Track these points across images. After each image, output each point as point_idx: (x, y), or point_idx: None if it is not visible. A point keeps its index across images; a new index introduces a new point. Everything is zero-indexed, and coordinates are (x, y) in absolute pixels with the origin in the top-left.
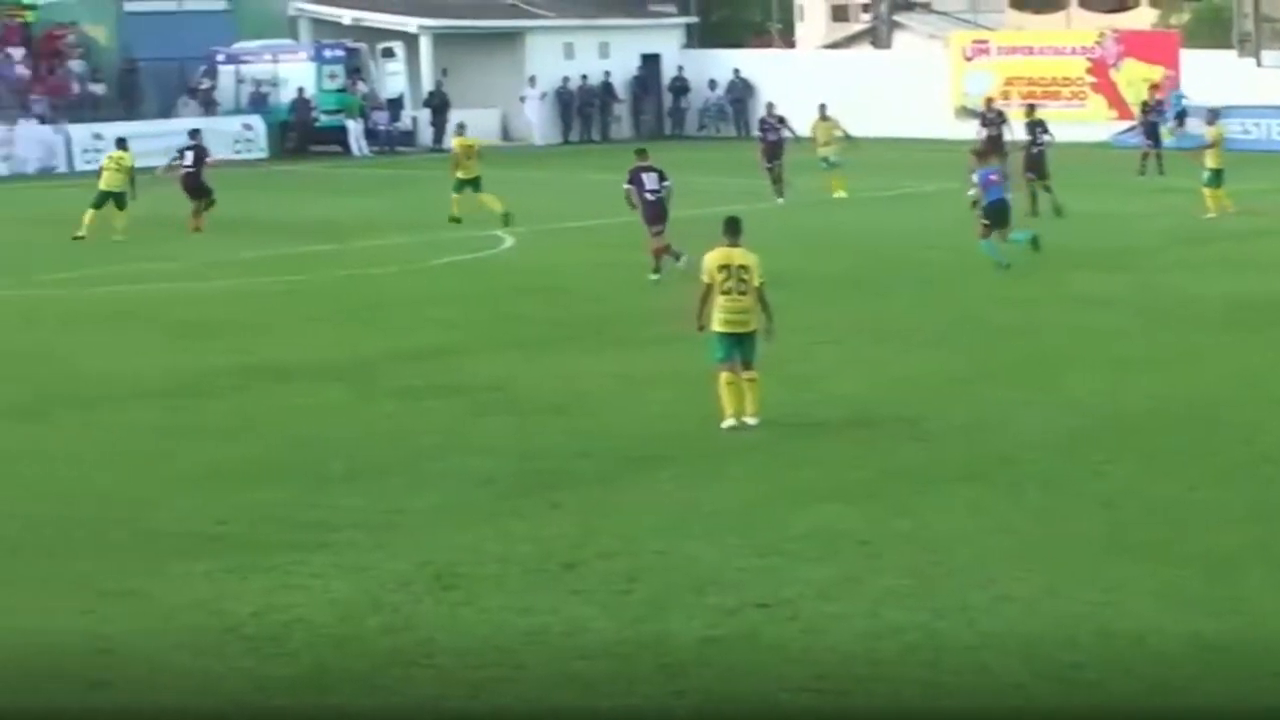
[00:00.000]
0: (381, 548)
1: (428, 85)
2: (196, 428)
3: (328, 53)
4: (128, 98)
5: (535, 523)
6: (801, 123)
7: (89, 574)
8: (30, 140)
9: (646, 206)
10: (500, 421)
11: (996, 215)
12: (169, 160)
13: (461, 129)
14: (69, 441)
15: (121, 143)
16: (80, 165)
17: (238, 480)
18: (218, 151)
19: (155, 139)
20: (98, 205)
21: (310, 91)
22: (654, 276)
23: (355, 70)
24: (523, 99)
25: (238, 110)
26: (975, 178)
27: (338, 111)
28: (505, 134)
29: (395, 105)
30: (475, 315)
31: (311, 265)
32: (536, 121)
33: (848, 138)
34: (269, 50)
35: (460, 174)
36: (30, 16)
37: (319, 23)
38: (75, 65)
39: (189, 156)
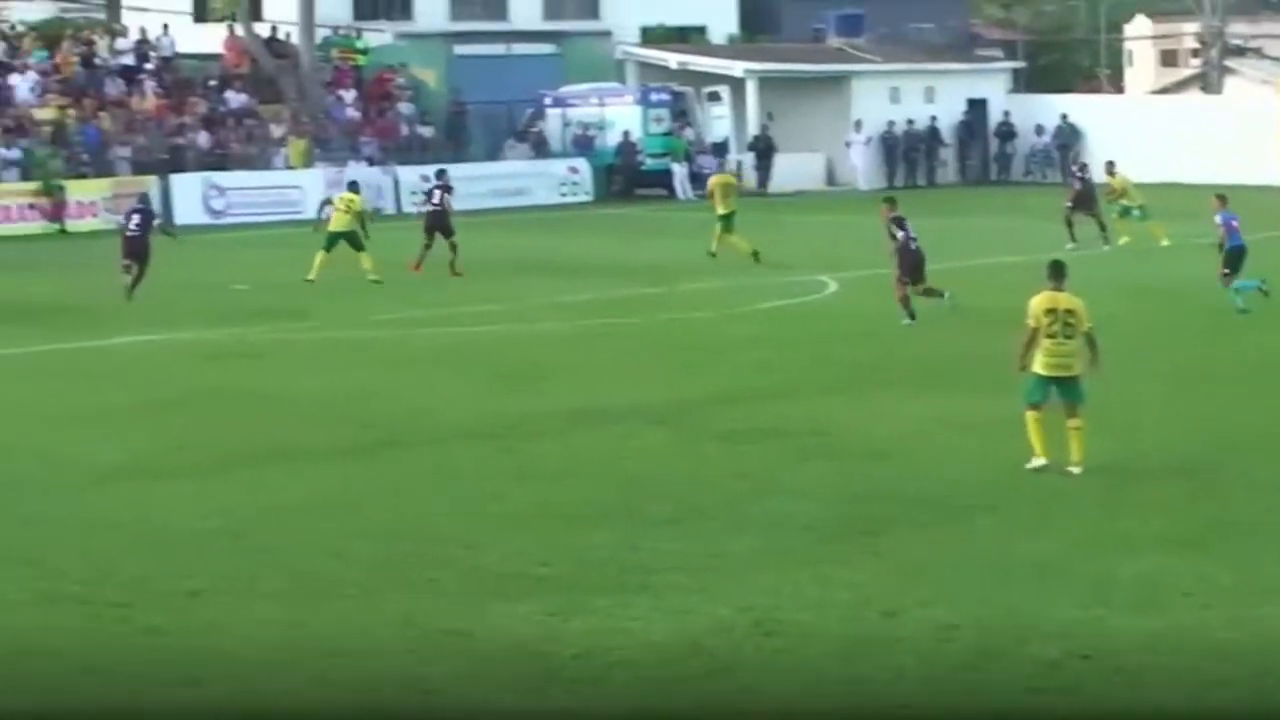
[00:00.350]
0: (702, 591)
1: (753, 129)
2: (523, 469)
3: (654, 96)
4: (455, 140)
5: (854, 569)
6: (1131, 168)
7: (413, 613)
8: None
9: (906, 254)
10: (821, 466)
11: (1234, 260)
12: (420, 204)
13: (723, 165)
14: (396, 481)
15: (353, 186)
16: (408, 207)
17: (562, 522)
18: (544, 195)
19: (482, 181)
20: (328, 248)
21: (636, 135)
22: (907, 321)
23: (681, 114)
24: (848, 144)
25: (564, 153)
26: (1218, 219)
27: (663, 155)
28: (830, 179)
29: (720, 149)
30: (797, 359)
31: (636, 308)
32: (861, 166)
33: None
34: (596, 94)
35: (720, 210)
36: (362, 60)
37: (646, 66)
38: (404, 108)
39: (436, 196)
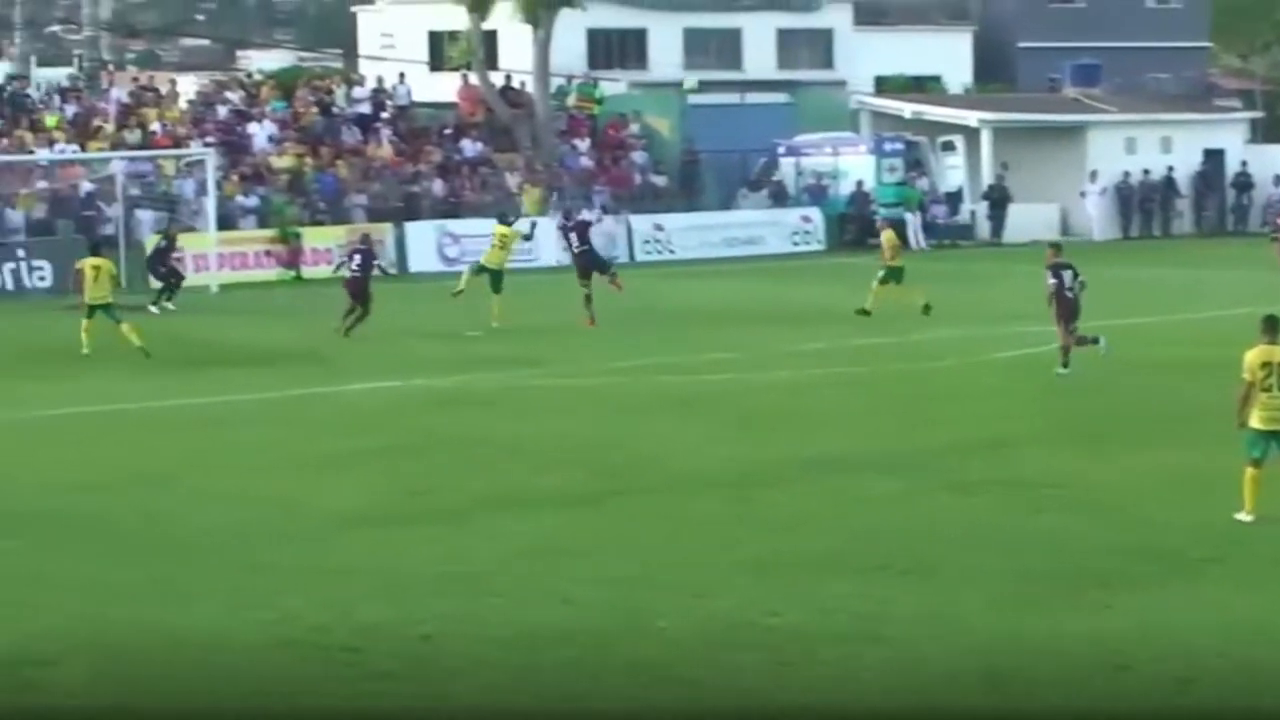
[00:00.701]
0: (934, 641)
1: (987, 179)
2: (754, 518)
3: (888, 146)
4: (688, 189)
5: (1087, 621)
6: None
7: (641, 661)
8: (593, 230)
9: (1062, 302)
10: (1053, 518)
11: None
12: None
13: (889, 220)
14: (627, 528)
15: (503, 218)
16: (640, 255)
17: (793, 571)
18: (777, 244)
19: (716, 230)
20: (477, 271)
21: (869, 184)
22: (1062, 371)
23: (915, 163)
24: (1083, 194)
25: (797, 202)
26: None
27: (896, 204)
28: (1064, 229)
29: (954, 199)
30: (1030, 410)
31: (869, 357)
32: (1096, 216)
33: None
34: (829, 143)
35: (889, 263)
36: (597, 109)
37: (880, 115)
38: (638, 157)
39: (357, 260)
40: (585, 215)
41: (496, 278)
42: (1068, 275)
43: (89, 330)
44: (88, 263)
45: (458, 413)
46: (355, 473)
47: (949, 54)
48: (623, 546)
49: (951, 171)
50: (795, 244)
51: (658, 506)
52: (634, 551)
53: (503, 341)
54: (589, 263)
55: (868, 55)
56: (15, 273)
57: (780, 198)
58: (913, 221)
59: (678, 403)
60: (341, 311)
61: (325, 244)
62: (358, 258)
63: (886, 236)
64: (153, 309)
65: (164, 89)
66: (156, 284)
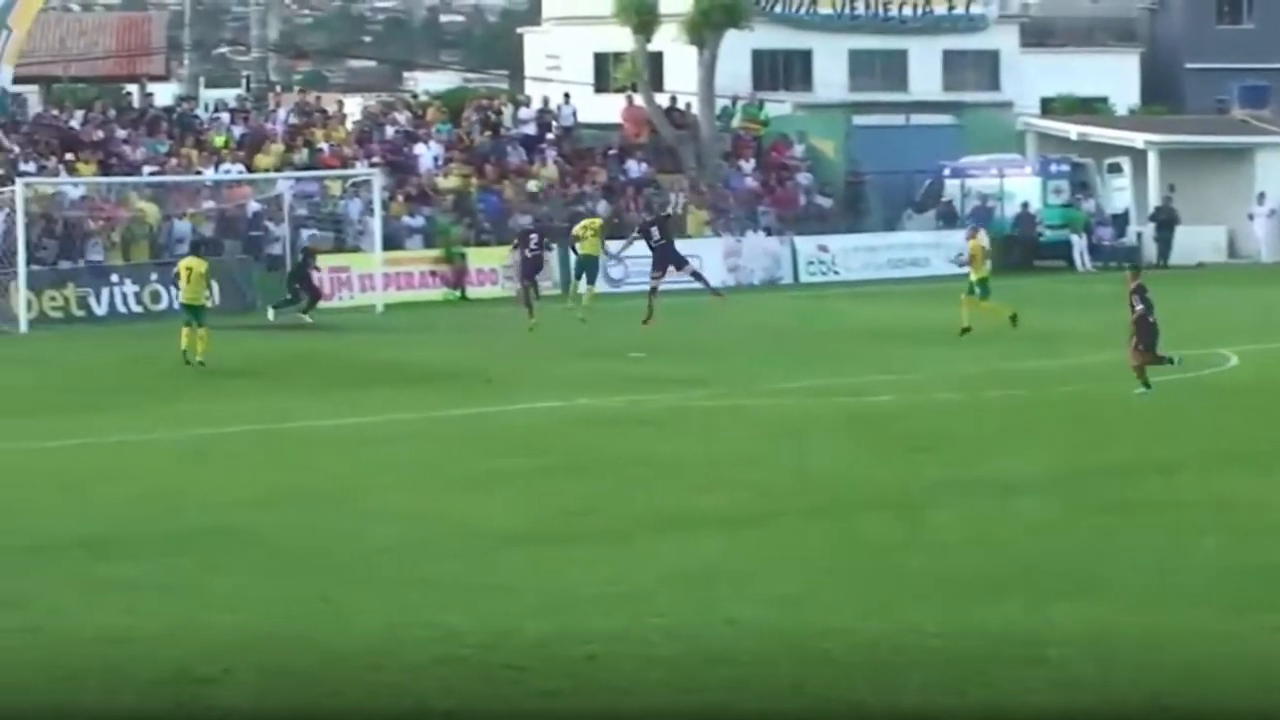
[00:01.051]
0: (1098, 664)
1: (1154, 201)
2: (918, 539)
3: (1053, 168)
4: (853, 210)
5: (1253, 645)
6: None
7: (804, 681)
8: (757, 251)
9: (1144, 327)
10: (1219, 540)
11: None
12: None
13: (976, 231)
14: (791, 549)
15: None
16: (804, 277)
17: (958, 593)
18: (941, 266)
19: (880, 252)
20: (577, 275)
21: (1035, 206)
22: (1141, 391)
23: (1081, 185)
24: (1250, 216)
25: (962, 224)
26: None
27: (1062, 226)
28: (1232, 251)
29: (1120, 221)
30: (1195, 432)
31: (1032, 379)
32: (1264, 238)
33: None
34: (995, 164)
35: (973, 275)
36: (762, 131)
37: (1045, 137)
38: (803, 178)
39: (654, 231)
40: (666, 210)
41: (592, 267)
42: (1149, 300)
43: (188, 336)
44: (183, 264)
45: (620, 432)
46: (518, 491)
47: (1116, 75)
48: (787, 567)
49: (1118, 193)
50: (961, 266)
51: (821, 527)
52: (798, 572)
53: (667, 363)
54: (666, 257)
55: (1034, 76)
56: None
57: (950, 219)
58: (1078, 243)
59: (841, 423)
60: (522, 305)
61: (490, 264)
62: (534, 238)
63: (972, 245)
64: (306, 318)
65: (330, 110)
66: (291, 298)
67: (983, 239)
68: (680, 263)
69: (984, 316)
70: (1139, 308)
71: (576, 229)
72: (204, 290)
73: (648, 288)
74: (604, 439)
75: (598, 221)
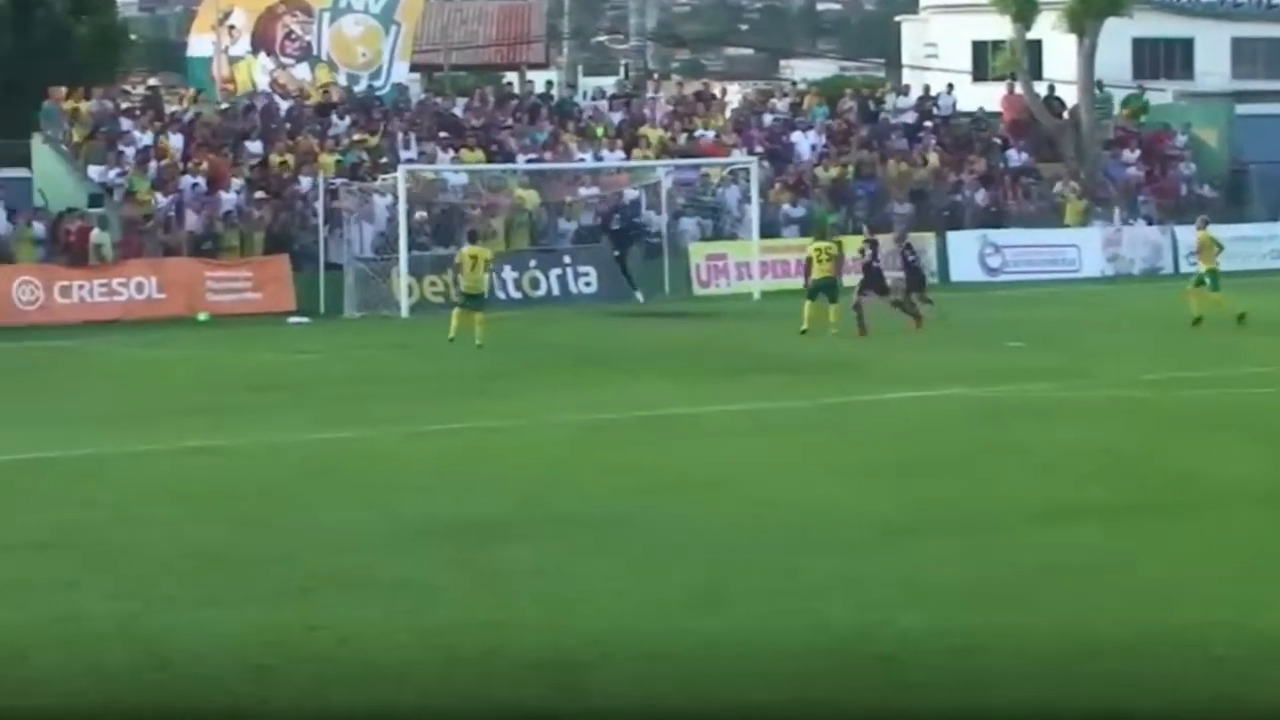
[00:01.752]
0: None
1: None
2: None
3: None
4: (1236, 200)
5: None
6: None
7: (1184, 678)
8: (1137, 241)
9: None
10: None
11: None
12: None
13: (1205, 222)
14: (1167, 542)
15: (821, 226)
16: (1185, 268)
17: None
18: (1249, 261)
19: (1265, 242)
20: (812, 297)
21: None
22: None
23: None
24: None
25: (1275, 218)
26: None
27: None
28: None
29: None
30: None
31: None
32: None
33: None
34: None
35: (1201, 266)
36: (1143, 119)
37: None
38: (1184, 168)
39: (868, 252)
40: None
41: (831, 287)
42: None
43: (460, 317)
44: (465, 252)
45: (995, 423)
46: (894, 481)
47: None
48: (1163, 560)
49: None
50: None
51: (1200, 522)
52: (1175, 566)
53: (1045, 353)
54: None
55: None
56: (561, 278)
57: None
58: None
59: (1216, 416)
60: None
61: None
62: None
63: (1201, 236)
64: (639, 295)
65: (711, 97)
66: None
67: (1213, 231)
68: (883, 290)
69: (1212, 308)
70: None
71: (810, 250)
72: (485, 279)
73: (853, 305)
74: (979, 429)
75: (833, 248)
